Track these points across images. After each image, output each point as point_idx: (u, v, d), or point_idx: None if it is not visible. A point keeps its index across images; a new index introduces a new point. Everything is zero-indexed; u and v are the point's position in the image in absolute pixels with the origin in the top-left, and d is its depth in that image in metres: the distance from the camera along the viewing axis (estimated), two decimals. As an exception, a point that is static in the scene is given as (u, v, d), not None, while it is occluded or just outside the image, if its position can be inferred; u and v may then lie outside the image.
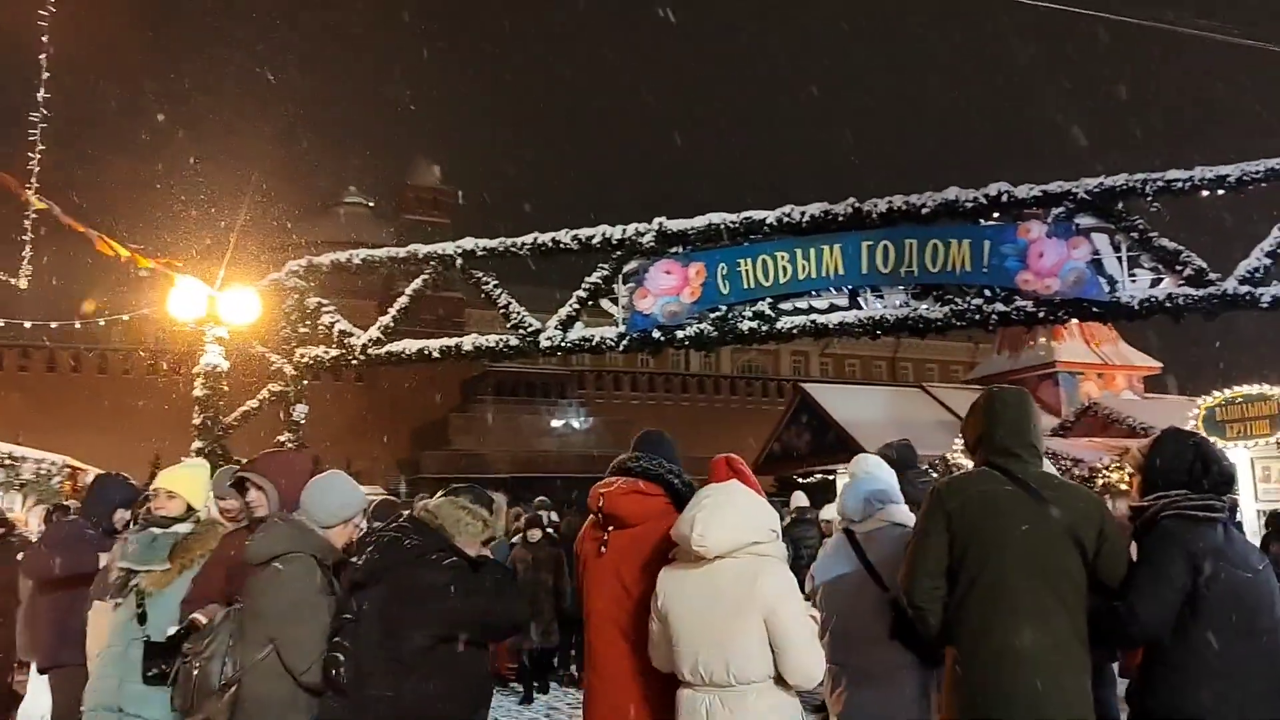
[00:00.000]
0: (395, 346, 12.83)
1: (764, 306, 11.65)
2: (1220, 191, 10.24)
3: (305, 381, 12.99)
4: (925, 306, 11.17)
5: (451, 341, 12.78)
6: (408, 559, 3.08)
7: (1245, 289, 10.00)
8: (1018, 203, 10.85)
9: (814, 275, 11.53)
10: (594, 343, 12.30)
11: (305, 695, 3.16)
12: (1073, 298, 10.55)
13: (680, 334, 11.93)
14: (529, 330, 12.51)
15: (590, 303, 12.41)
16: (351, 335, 12.76)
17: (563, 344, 12.43)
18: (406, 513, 3.34)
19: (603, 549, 3.27)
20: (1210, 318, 10.21)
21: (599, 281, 12.28)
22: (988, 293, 10.92)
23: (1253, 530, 10.35)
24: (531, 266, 13.62)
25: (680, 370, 59.78)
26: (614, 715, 3.23)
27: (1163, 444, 3.18)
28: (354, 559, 3.18)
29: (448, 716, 3.03)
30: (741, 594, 2.89)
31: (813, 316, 11.54)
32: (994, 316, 10.84)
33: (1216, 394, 10.64)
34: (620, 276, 12.29)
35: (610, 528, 3.25)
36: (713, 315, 11.82)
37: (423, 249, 12.96)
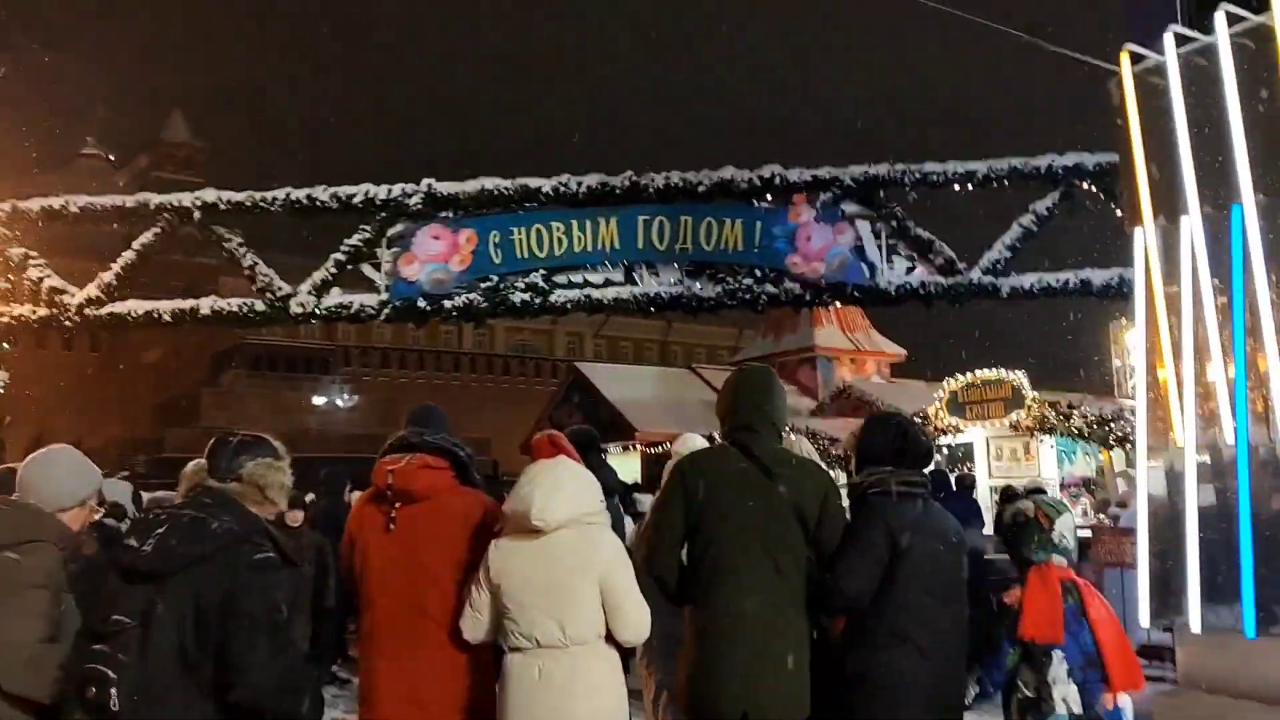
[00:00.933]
0: (119, 308, 11.35)
1: (537, 278, 11.23)
2: (970, 186, 10.80)
3: (7, 345, 11.27)
4: (698, 285, 11.14)
5: (186, 304, 11.48)
6: (216, 548, 2.49)
7: (988, 279, 10.62)
8: (789, 186, 11.00)
9: (589, 248, 11.23)
10: (352, 310, 11.42)
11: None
12: (836, 281, 10.83)
13: (448, 304, 11.29)
14: (278, 294, 11.44)
15: (350, 267, 11.52)
16: (65, 293, 11.16)
17: (317, 311, 11.45)
18: (205, 483, 2.72)
19: (391, 525, 3.22)
20: (957, 305, 10.78)
21: (360, 244, 11.41)
22: (758, 273, 11.02)
23: (986, 504, 11.12)
24: (287, 228, 12.54)
25: (452, 348, 58.37)
26: (417, 691, 3.15)
27: (869, 426, 3.39)
28: (133, 541, 2.52)
29: None
30: (580, 561, 3.05)
31: (587, 291, 11.24)
32: (764, 297, 10.97)
33: (959, 377, 11.31)
34: (384, 240, 11.49)
35: (398, 504, 3.22)
36: (483, 285, 11.27)
37: (155, 198, 11.56)
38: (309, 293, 11.49)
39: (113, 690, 2.35)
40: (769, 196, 11.13)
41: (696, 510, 3.12)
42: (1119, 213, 10.58)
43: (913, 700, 2.98)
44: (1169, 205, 5.09)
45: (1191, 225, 4.80)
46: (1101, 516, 10.75)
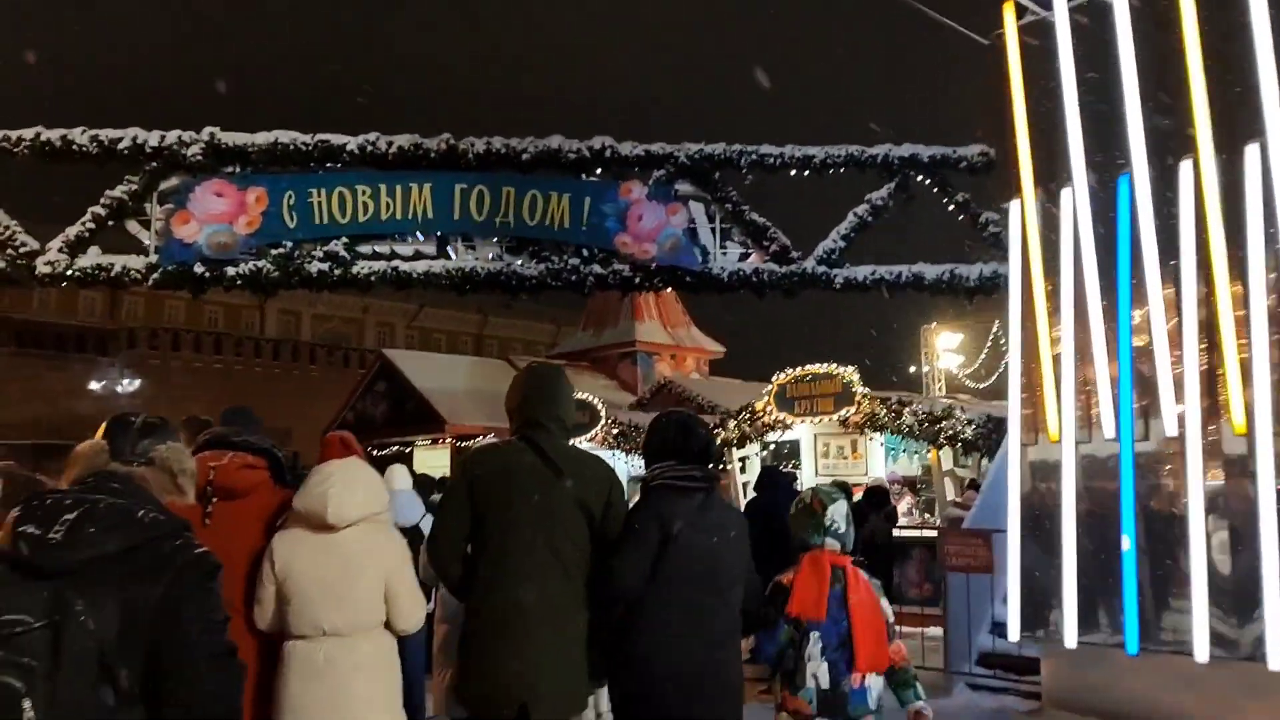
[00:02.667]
0: None
1: (338, 247, 9.97)
2: (806, 172, 10.40)
3: None
4: (520, 262, 10.21)
5: (-103, 257, 9.52)
6: (145, 540, 2.13)
7: (822, 269, 10.25)
8: (620, 160, 10.26)
9: (399, 216, 10.09)
10: (114, 273, 9.79)
11: None
12: (668, 265, 10.18)
13: (232, 271, 9.86)
14: (20, 251, 9.66)
15: (112, 224, 9.89)
16: None
17: (70, 272, 9.75)
18: (107, 467, 2.31)
19: (207, 520, 3.23)
20: (790, 295, 10.36)
21: (124, 197, 9.81)
22: (585, 252, 10.22)
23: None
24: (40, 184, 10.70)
25: (254, 334, 54.66)
26: None
27: (654, 425, 3.51)
28: (32, 529, 2.08)
29: None
30: (367, 557, 3.22)
31: (395, 263, 10.08)
32: (591, 278, 10.17)
33: (788, 371, 10.93)
34: (155, 195, 9.94)
35: (215, 499, 3.28)
36: (274, 252, 9.91)
37: None
38: (61, 250, 9.77)
39: (25, 703, 1.97)
40: (599, 170, 10.34)
41: (481, 504, 3.16)
42: (950, 207, 10.48)
43: (679, 684, 3.10)
44: (1045, 178, 4.64)
45: (1075, 195, 4.35)
46: (929, 516, 10.60)
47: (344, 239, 9.98)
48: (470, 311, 60.42)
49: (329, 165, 10.09)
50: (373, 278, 10.04)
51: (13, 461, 5.00)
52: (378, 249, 10.10)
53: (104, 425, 2.47)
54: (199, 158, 9.87)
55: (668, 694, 3.09)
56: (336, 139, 10.03)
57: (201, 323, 50.37)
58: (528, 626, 3.02)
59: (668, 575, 3.11)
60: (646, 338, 25.23)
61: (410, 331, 61.82)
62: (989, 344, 23.16)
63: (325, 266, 9.93)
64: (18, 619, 2.02)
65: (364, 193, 10.02)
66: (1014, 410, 4.51)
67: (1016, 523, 4.39)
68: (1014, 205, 4.64)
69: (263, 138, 9.97)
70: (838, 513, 3.58)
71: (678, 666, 3.10)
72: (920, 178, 10.37)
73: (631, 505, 3.31)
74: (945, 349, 23.56)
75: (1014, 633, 4.30)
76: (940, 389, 23.38)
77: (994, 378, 23.80)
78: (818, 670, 3.40)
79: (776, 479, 8.92)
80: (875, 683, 3.54)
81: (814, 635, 3.41)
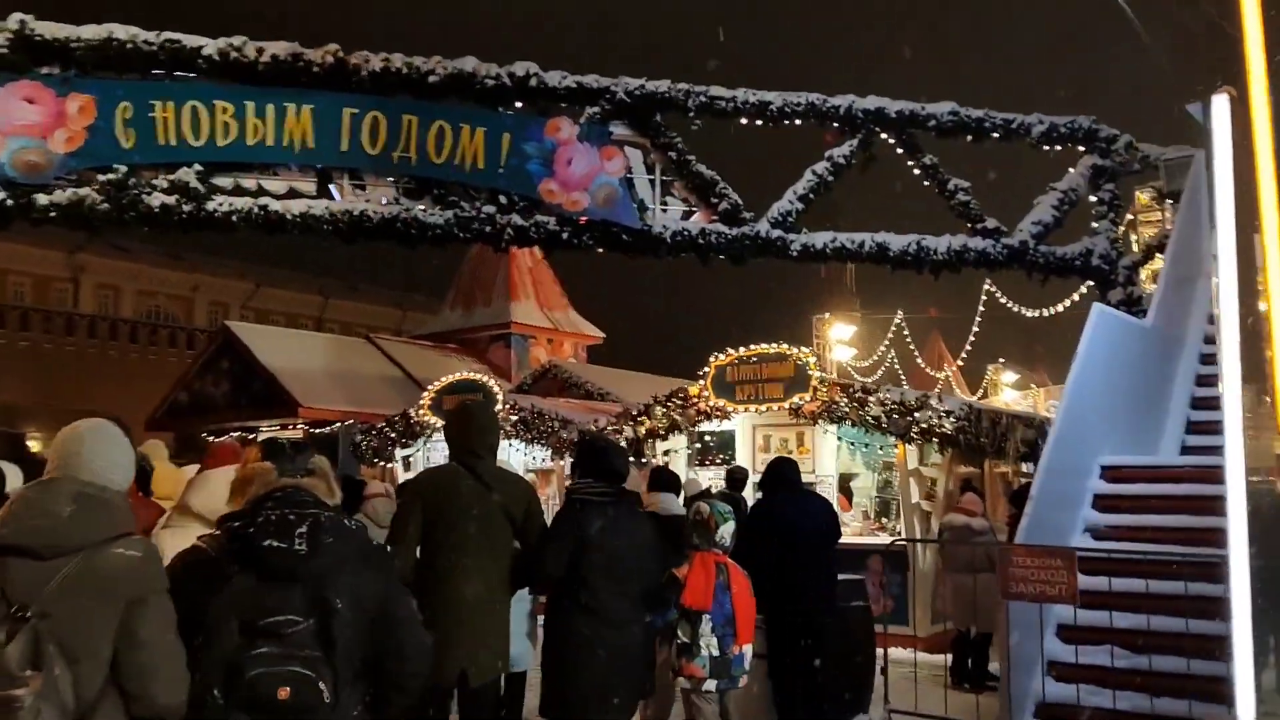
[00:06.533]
0: None
1: (189, 176, 7.91)
2: (759, 121, 9.06)
3: None
4: (422, 207, 8.41)
5: None
6: (359, 544, 2.56)
7: (777, 233, 8.95)
8: (546, 91, 8.63)
9: (269, 142, 8.12)
10: (-124, 196, 7.40)
11: None
12: (601, 219, 8.61)
13: (44, 199, 7.65)
14: None
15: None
16: None
17: None
18: (290, 483, 2.59)
19: None
20: (739, 262, 9.00)
21: (-105, 94, 7.45)
22: (503, 199, 8.52)
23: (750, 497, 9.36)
24: None
25: (66, 308, 49.42)
26: None
27: (580, 448, 4.38)
28: (275, 541, 2.42)
29: None
30: None
31: (263, 201, 8.11)
32: (509, 231, 8.48)
33: (730, 351, 9.54)
34: (-61, 96, 7.61)
35: None
36: (104, 177, 7.77)
37: None
38: None
39: (321, 686, 2.35)
40: (520, 103, 8.67)
41: (430, 515, 3.82)
42: (916, 171, 9.37)
43: (591, 655, 3.84)
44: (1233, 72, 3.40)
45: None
46: (887, 520, 9.34)
47: (197, 167, 7.93)
48: (311, 293, 56.61)
49: (179, 74, 8.01)
50: (234, 217, 8.02)
51: None
52: (242, 182, 8.10)
53: (256, 449, 2.84)
54: (4, 52, 7.62)
55: (588, 659, 3.82)
56: (190, 40, 7.99)
57: (4, 295, 45.02)
58: (472, 613, 3.73)
59: (582, 568, 3.81)
60: (523, 319, 23.47)
61: (245, 312, 57.29)
62: (890, 335, 22.58)
63: (171, 200, 7.86)
64: (288, 619, 2.37)
65: (225, 111, 8.00)
66: (1231, 386, 3.22)
67: (1244, 554, 3.10)
68: (1218, 100, 3.34)
69: (91, 31, 7.80)
70: (727, 531, 4.51)
71: (594, 638, 3.82)
72: (885, 135, 9.20)
73: (556, 511, 4.02)
74: (838, 340, 22.87)
75: (1246, 712, 3.00)
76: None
77: (880, 372, 23.31)
78: (709, 643, 4.36)
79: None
80: (748, 650, 4.51)
81: (704, 618, 4.36)
